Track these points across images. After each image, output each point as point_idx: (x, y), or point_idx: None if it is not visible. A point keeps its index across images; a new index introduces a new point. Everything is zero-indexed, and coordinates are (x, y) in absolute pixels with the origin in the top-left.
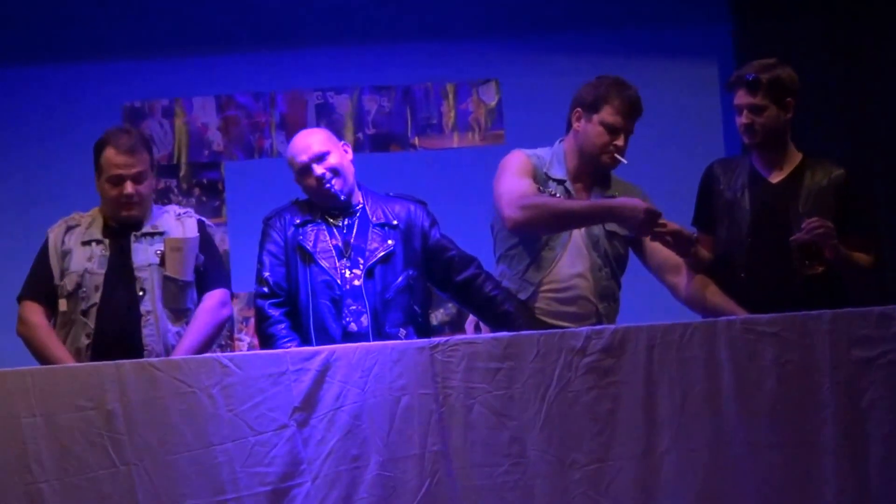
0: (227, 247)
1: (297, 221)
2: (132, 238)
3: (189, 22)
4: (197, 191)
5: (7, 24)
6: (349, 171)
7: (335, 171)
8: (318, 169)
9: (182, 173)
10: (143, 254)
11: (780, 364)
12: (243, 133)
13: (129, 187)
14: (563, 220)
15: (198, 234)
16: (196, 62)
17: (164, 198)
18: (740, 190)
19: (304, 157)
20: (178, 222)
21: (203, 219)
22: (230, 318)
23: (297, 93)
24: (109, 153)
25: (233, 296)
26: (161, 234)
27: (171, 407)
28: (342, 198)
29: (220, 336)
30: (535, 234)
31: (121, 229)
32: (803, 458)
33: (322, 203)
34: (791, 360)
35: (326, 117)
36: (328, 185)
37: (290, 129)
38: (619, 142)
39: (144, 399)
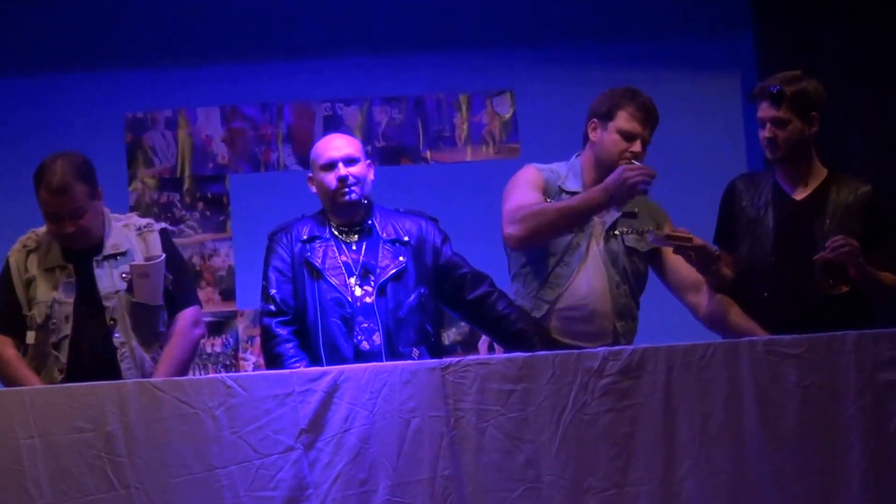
0: (232, 262)
1: (305, 237)
2: (94, 264)
3: (193, 30)
4: (201, 205)
5: (6, 33)
6: (368, 188)
7: (358, 180)
8: (344, 169)
9: (185, 187)
10: (108, 279)
11: (804, 387)
12: (249, 145)
13: (67, 226)
14: (565, 218)
15: (164, 255)
16: (201, 72)
17: (166, 212)
18: (763, 207)
19: (334, 154)
20: (139, 239)
21: (166, 226)
22: (204, 336)
23: (304, 104)
24: (42, 193)
25: (238, 313)
26: (123, 254)
27: (172, 429)
28: (361, 201)
29: (195, 357)
30: (539, 243)
31: (80, 252)
32: (828, 483)
33: (332, 206)
34: (815, 383)
35: (335, 129)
36: (347, 189)
37: (297, 141)
38: (636, 148)
39: (145, 420)
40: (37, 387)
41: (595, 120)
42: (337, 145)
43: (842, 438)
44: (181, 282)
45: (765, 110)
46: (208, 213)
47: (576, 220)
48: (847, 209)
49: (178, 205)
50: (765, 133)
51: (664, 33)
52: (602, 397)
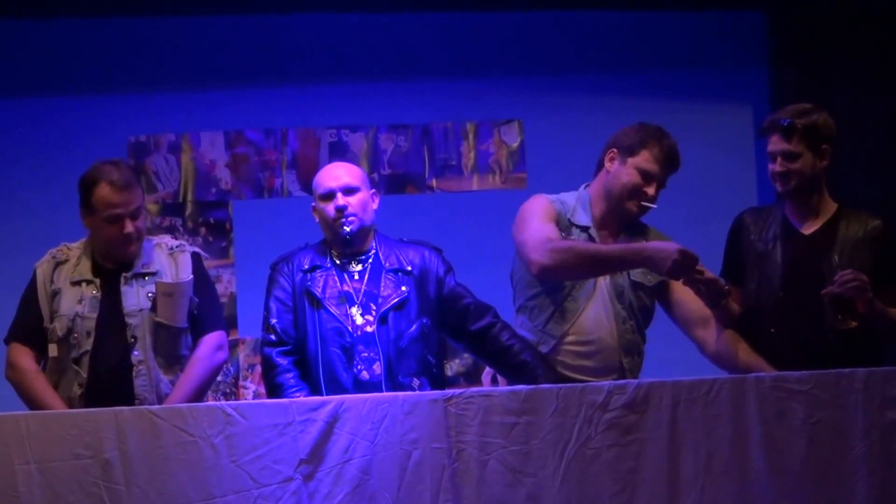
0: (233, 289)
1: (306, 267)
2: (122, 280)
3: (198, 55)
4: (203, 230)
5: (10, 56)
6: (369, 217)
7: (358, 209)
8: (342, 199)
9: (188, 212)
10: (134, 297)
11: (811, 424)
12: (253, 171)
13: (128, 226)
14: (595, 265)
15: (192, 277)
16: (205, 96)
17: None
18: (772, 242)
19: (332, 184)
20: (170, 259)
21: (198, 250)
22: (227, 362)
23: (309, 130)
24: (104, 191)
25: (240, 341)
26: (153, 274)
27: (171, 457)
28: (349, 237)
29: (214, 382)
30: (563, 279)
31: (111, 268)
32: None
33: (332, 236)
34: (822, 420)
35: (340, 156)
36: (344, 220)
37: (302, 167)
38: (651, 190)
39: (144, 448)
40: (34, 412)
41: (615, 150)
42: (335, 174)
43: (848, 477)
44: (208, 306)
45: (775, 143)
46: (211, 240)
47: (605, 269)
48: (856, 244)
49: (181, 230)
50: (775, 167)
51: (676, 65)
52: (606, 432)
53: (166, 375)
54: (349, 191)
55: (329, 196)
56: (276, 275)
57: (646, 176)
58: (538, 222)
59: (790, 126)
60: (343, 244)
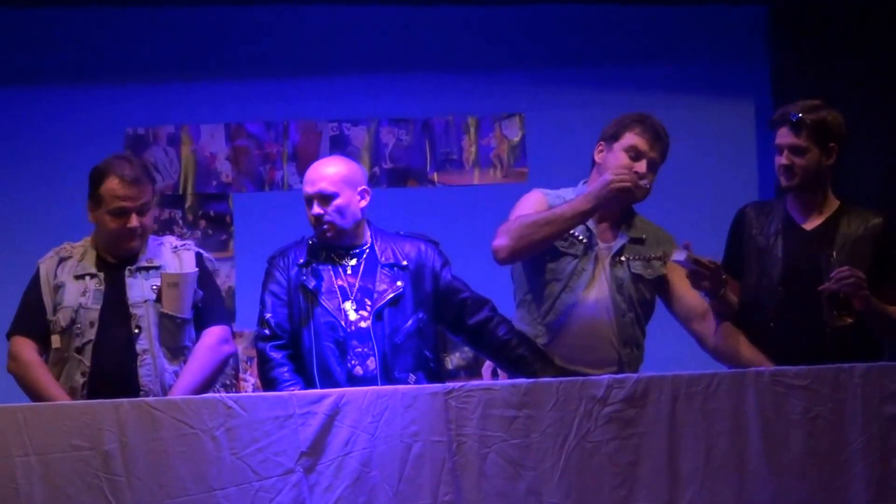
0: (233, 283)
1: (302, 261)
2: (127, 273)
3: (199, 46)
4: (203, 223)
5: (7, 46)
6: (350, 219)
7: (335, 216)
8: (317, 208)
9: (188, 204)
10: (139, 289)
11: (810, 418)
12: (253, 164)
13: (133, 220)
14: (552, 224)
15: (196, 269)
16: (205, 88)
17: (167, 230)
18: (773, 237)
19: (308, 189)
20: (174, 256)
21: (202, 251)
22: (232, 356)
23: (311, 123)
24: (112, 184)
25: (237, 334)
26: (157, 268)
27: (171, 449)
28: (330, 240)
29: (221, 374)
30: (528, 253)
31: (115, 263)
32: None
33: (319, 238)
34: (821, 415)
35: (341, 149)
36: (321, 229)
37: (302, 160)
38: (641, 168)
39: (144, 440)
40: (32, 404)
41: (602, 143)
42: (313, 178)
43: (846, 471)
44: (212, 301)
45: (783, 136)
46: (210, 232)
47: (562, 227)
48: (857, 240)
49: (180, 223)
50: (781, 160)
51: (678, 59)
52: (606, 425)
53: (171, 365)
54: (324, 198)
55: (308, 201)
56: (272, 269)
57: (633, 155)
58: (517, 212)
59: (799, 121)
60: (327, 246)
